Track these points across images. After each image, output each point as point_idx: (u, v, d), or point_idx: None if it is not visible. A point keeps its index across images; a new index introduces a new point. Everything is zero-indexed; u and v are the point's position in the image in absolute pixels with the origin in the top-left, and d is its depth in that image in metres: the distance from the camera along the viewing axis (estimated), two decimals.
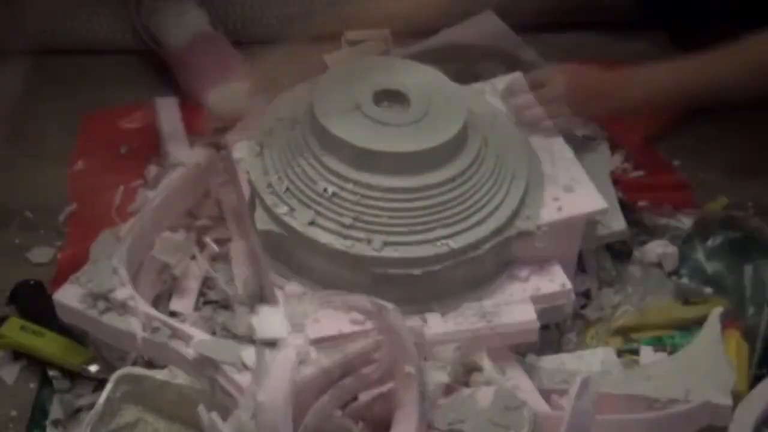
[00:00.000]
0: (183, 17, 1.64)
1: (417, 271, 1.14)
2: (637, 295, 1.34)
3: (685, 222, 1.42)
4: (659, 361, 1.23)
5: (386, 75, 1.23)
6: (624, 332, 1.29)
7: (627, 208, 1.37)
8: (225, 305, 1.32)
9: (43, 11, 1.61)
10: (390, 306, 1.07)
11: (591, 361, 1.21)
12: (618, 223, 1.31)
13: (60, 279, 1.32)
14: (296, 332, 1.03)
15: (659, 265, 1.36)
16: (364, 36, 1.71)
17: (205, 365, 1.08)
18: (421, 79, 1.24)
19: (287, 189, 1.17)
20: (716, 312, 1.22)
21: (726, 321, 1.27)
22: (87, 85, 1.65)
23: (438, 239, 1.14)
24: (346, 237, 1.14)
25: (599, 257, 1.36)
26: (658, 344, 1.28)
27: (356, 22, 1.62)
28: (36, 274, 1.36)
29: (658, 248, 1.36)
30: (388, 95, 1.21)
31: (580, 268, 1.33)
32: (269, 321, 1.04)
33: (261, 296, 1.30)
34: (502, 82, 1.39)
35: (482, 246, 1.16)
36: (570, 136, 1.40)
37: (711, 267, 1.35)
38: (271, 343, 1.02)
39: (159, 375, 1.14)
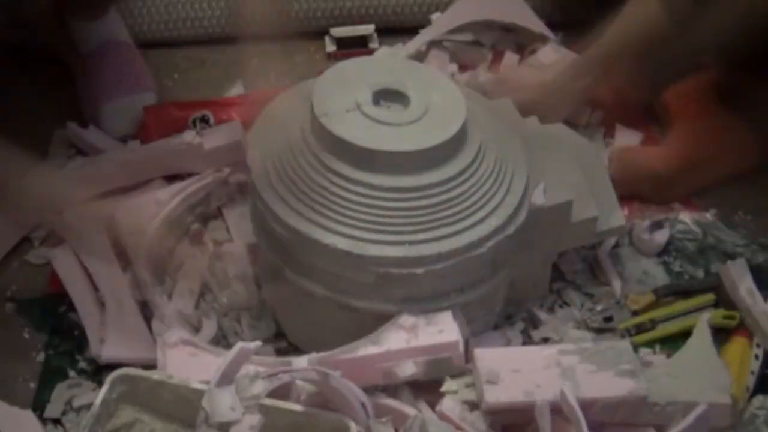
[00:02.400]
0: (97, 23, 1.59)
1: (420, 270, 1.14)
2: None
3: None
4: (654, 365, 1.22)
5: (385, 74, 1.23)
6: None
7: None
8: (222, 305, 1.32)
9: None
10: (335, 373, 1.09)
11: None
12: (617, 220, 1.31)
13: (56, 280, 1.33)
14: (250, 413, 1.03)
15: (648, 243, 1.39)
16: (349, 32, 1.72)
17: None
18: (419, 77, 1.23)
19: (288, 189, 1.16)
20: (704, 317, 1.26)
21: (737, 329, 1.31)
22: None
23: (440, 238, 1.14)
24: (348, 237, 1.13)
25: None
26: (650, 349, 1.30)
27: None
28: (36, 275, 1.37)
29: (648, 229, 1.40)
30: (387, 95, 1.21)
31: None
32: (222, 403, 1.03)
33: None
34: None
35: (484, 244, 1.16)
36: (572, 124, 1.42)
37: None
38: (225, 426, 1.02)
39: (155, 375, 1.14)
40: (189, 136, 1.43)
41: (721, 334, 1.29)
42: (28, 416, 1.19)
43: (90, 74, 1.56)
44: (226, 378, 1.04)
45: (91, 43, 1.57)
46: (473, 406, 1.14)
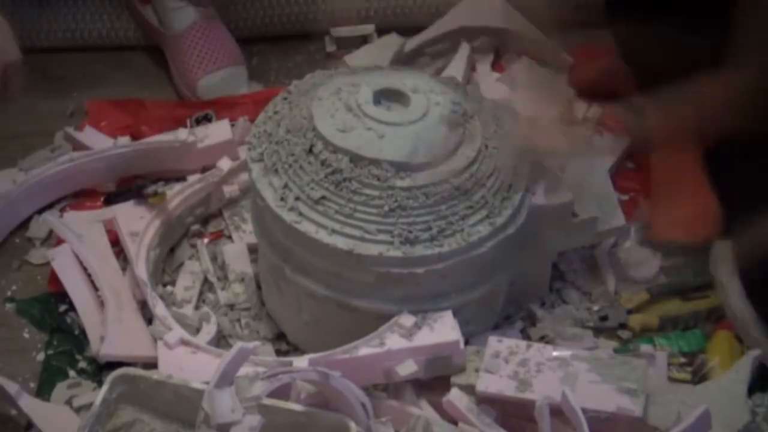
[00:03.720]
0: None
1: (420, 270, 1.14)
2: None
3: None
4: (676, 389, 1.22)
5: (385, 76, 1.24)
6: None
7: None
8: (222, 305, 1.33)
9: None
10: (336, 373, 1.09)
11: None
12: (617, 220, 1.31)
13: (56, 280, 1.32)
14: (250, 414, 1.04)
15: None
16: (350, 32, 1.71)
17: None
18: (419, 78, 1.24)
19: (289, 189, 1.16)
20: (753, 354, 1.18)
21: (719, 322, 1.30)
22: (82, 82, 1.65)
23: (440, 238, 1.14)
24: (348, 237, 1.13)
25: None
26: (650, 344, 1.29)
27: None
28: (36, 275, 1.37)
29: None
30: (387, 95, 1.21)
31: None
32: (223, 405, 1.03)
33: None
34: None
35: (485, 244, 1.16)
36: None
37: None
38: (226, 427, 1.02)
39: (155, 375, 1.14)
40: (182, 133, 1.43)
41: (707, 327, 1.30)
42: (65, 411, 1.19)
43: (185, 52, 1.60)
44: (225, 378, 1.04)
45: (182, 22, 1.61)
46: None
